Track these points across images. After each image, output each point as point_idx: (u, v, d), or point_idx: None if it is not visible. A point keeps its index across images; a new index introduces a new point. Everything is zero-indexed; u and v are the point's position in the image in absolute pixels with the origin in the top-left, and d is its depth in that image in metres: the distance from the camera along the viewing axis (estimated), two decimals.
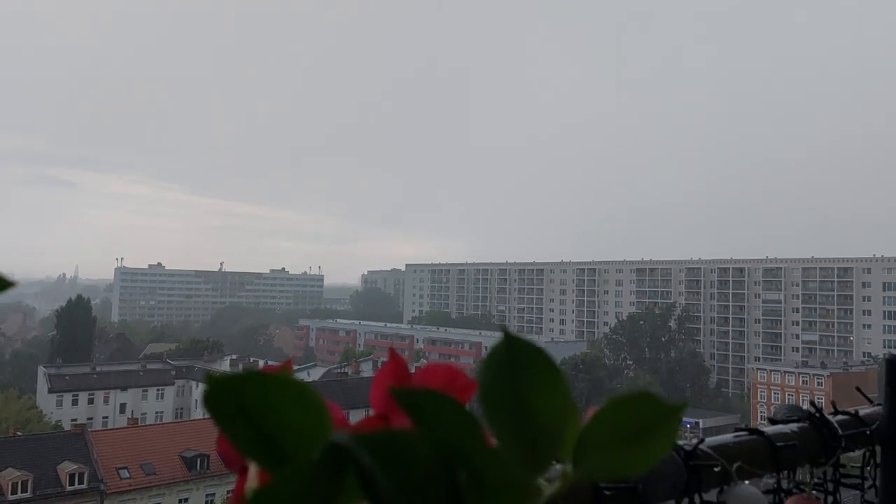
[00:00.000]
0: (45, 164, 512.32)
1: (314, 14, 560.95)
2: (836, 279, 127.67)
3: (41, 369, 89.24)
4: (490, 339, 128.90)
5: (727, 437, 1.46)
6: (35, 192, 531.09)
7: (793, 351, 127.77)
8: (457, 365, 0.67)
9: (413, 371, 0.70)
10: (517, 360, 0.54)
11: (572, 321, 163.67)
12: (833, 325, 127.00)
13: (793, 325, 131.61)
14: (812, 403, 1.70)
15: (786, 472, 1.50)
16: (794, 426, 1.59)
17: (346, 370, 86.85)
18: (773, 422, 1.62)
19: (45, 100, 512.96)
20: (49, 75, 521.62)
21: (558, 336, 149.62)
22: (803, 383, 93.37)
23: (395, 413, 0.65)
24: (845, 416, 1.74)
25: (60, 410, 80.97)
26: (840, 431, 1.62)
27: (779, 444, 1.48)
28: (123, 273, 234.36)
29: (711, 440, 1.38)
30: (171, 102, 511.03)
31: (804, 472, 1.58)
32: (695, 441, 1.32)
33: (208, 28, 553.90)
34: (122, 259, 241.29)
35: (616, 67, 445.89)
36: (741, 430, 1.50)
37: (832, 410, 1.74)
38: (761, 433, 1.50)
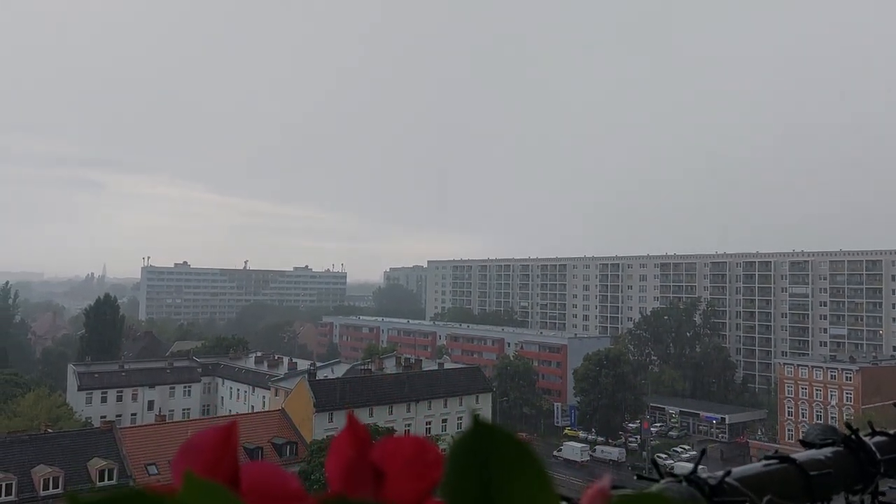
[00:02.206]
0: (73, 166, 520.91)
1: (330, 17, 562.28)
2: (864, 272, 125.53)
3: (71, 367, 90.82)
4: (513, 335, 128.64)
5: (756, 466, 1.35)
6: (64, 193, 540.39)
7: (820, 345, 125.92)
8: (427, 437, 0.59)
9: (375, 442, 0.61)
10: (489, 453, 0.45)
11: (595, 317, 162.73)
12: (862, 319, 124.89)
13: (820, 319, 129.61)
14: (847, 425, 1.60)
15: (820, 502, 1.38)
16: (828, 451, 1.48)
17: (370, 367, 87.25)
18: (805, 444, 1.53)
19: (72, 103, 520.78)
20: (77, 79, 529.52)
21: (581, 332, 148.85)
22: (832, 378, 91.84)
23: (354, 491, 0.59)
24: (884, 438, 1.61)
25: (90, 408, 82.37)
26: (878, 455, 1.51)
27: (812, 472, 1.37)
28: (150, 272, 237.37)
29: (738, 471, 1.26)
30: (195, 104, 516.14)
31: (840, 500, 1.48)
32: (720, 473, 1.20)
33: (231, 30, 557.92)
34: (148, 258, 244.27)
35: (631, 66, 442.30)
36: (771, 458, 1.39)
37: (869, 431, 1.62)
38: (793, 461, 1.38)
